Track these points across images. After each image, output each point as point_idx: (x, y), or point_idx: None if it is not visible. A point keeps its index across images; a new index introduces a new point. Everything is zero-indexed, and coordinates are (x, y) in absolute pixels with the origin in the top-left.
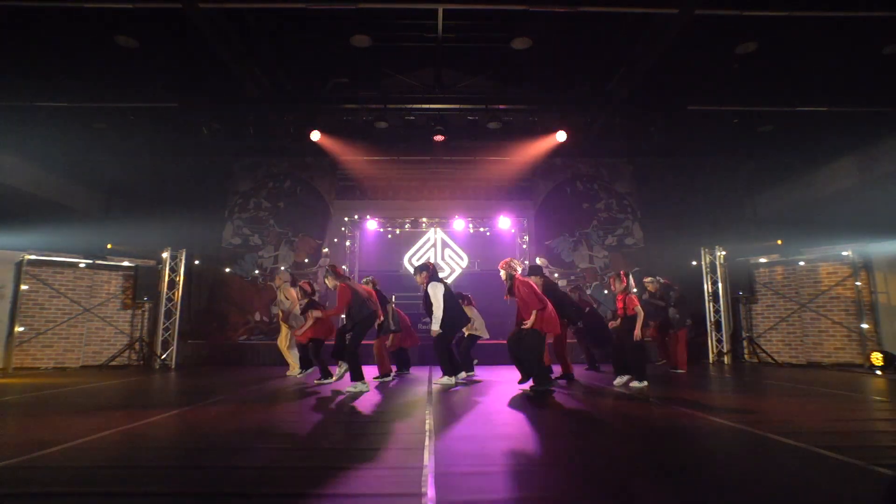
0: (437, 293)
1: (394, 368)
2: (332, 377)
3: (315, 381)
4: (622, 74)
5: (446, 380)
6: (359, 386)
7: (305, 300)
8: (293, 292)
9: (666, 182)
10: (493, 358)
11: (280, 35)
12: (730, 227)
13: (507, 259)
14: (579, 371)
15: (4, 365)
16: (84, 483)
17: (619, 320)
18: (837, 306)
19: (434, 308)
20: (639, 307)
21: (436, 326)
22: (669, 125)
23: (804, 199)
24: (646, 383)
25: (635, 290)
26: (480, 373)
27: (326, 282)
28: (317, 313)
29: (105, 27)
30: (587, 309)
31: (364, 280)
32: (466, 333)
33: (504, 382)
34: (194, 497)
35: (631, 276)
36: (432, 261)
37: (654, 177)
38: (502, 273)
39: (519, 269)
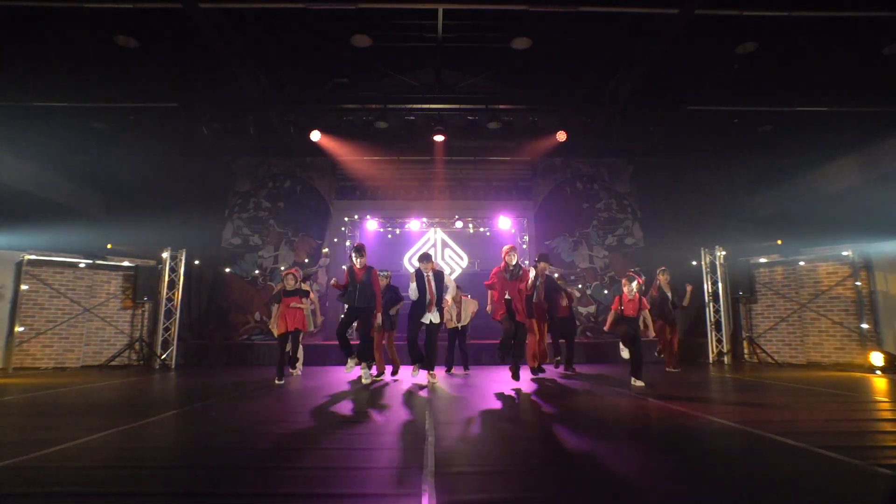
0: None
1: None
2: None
3: (277, 382)
4: (622, 74)
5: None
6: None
7: (294, 287)
8: (312, 295)
9: (666, 182)
10: (494, 358)
11: (280, 35)
12: (730, 227)
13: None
14: (557, 370)
15: (4, 365)
16: (84, 483)
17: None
18: (837, 306)
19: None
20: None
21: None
22: (669, 125)
23: (804, 199)
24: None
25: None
26: (479, 373)
27: (355, 260)
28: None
29: (105, 27)
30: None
31: (382, 273)
32: (459, 327)
33: (503, 382)
34: (194, 497)
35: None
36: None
37: (654, 177)
38: (533, 273)
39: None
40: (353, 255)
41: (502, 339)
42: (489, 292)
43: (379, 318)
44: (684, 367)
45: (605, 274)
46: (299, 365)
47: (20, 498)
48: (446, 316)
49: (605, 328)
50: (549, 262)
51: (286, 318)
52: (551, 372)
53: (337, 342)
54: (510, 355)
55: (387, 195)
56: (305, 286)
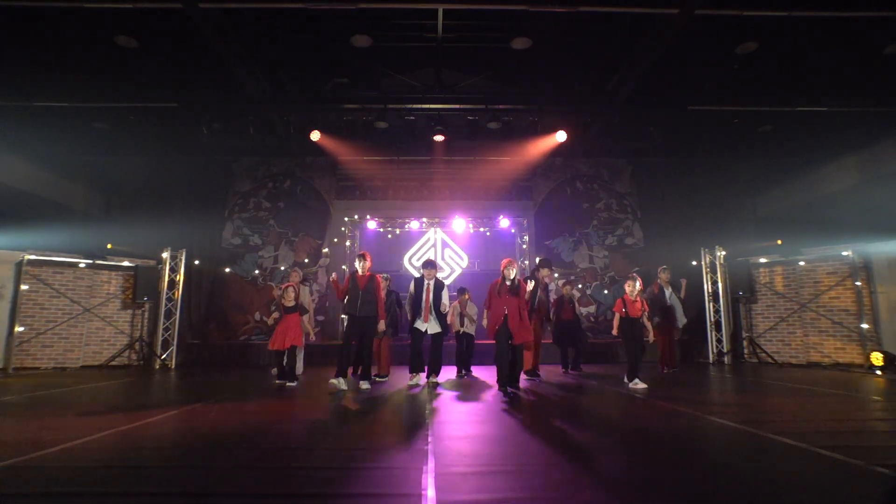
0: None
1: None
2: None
3: (277, 382)
4: (622, 74)
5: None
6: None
7: (293, 303)
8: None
9: (666, 182)
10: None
11: (280, 35)
12: (730, 227)
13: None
14: (556, 371)
15: (4, 365)
16: (84, 483)
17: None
18: (837, 306)
19: (444, 300)
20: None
21: (447, 301)
22: (669, 125)
23: (804, 199)
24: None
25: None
26: (479, 374)
27: (357, 266)
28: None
29: (105, 27)
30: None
31: (381, 276)
32: (462, 331)
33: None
34: (194, 497)
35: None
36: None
37: (654, 177)
38: (531, 285)
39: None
40: (357, 261)
41: (499, 371)
42: (486, 310)
43: (383, 325)
44: (684, 367)
45: (605, 274)
46: (299, 365)
47: (20, 498)
48: (454, 321)
49: (614, 332)
50: (550, 269)
51: (284, 335)
52: (551, 373)
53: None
54: (507, 382)
55: (387, 195)
56: (304, 290)
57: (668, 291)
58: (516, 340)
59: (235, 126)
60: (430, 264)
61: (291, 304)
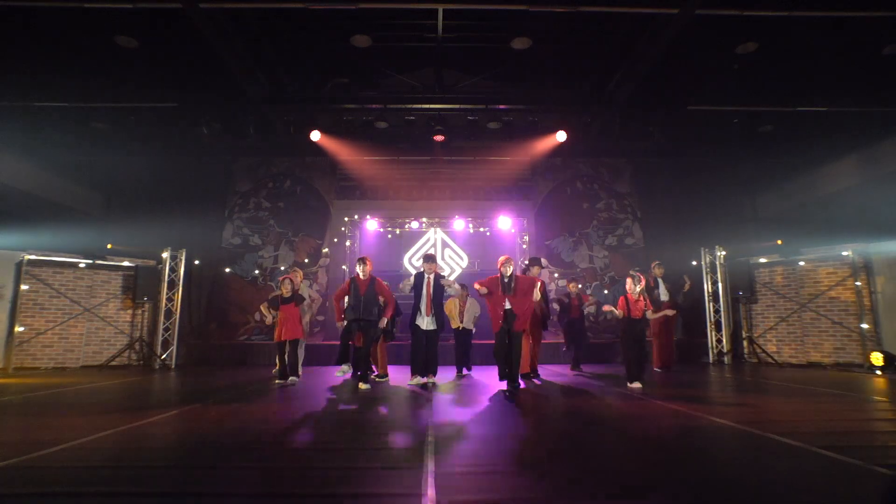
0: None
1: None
2: (296, 379)
3: (277, 382)
4: (622, 74)
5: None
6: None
7: (289, 294)
8: (310, 292)
9: (666, 182)
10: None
11: (280, 35)
12: (730, 227)
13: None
14: (555, 371)
15: (4, 365)
16: (84, 483)
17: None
18: (837, 306)
19: (448, 291)
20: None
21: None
22: (669, 125)
23: (804, 199)
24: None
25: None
26: (480, 373)
27: (358, 270)
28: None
29: (105, 27)
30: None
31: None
32: (462, 327)
33: (503, 383)
34: (194, 497)
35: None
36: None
37: (654, 177)
38: (539, 286)
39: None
40: (357, 265)
41: (499, 370)
42: (487, 299)
43: (384, 322)
44: (684, 367)
45: (605, 274)
46: (299, 367)
47: (20, 498)
48: (452, 317)
49: (617, 311)
50: (541, 266)
51: (282, 327)
52: (551, 373)
53: (339, 343)
54: (507, 373)
55: (387, 195)
56: (304, 285)
57: (661, 285)
58: (518, 327)
59: (235, 126)
60: (429, 258)
61: (287, 294)
